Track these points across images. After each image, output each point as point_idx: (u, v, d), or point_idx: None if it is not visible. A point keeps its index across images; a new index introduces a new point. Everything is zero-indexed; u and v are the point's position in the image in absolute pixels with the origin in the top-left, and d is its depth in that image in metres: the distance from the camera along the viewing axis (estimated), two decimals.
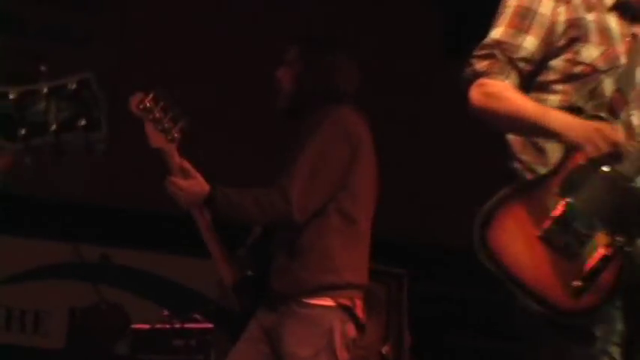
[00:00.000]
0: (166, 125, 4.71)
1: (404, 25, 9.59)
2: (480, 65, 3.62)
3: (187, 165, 4.79)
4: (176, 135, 4.73)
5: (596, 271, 3.39)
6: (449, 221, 6.67)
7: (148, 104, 4.69)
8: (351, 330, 4.77)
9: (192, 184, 4.78)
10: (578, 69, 3.60)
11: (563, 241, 3.41)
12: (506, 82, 3.58)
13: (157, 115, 4.72)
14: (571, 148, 3.47)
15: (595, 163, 3.44)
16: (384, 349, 6.62)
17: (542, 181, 3.52)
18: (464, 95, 3.63)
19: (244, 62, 8.68)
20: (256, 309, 4.80)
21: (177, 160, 4.78)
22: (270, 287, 4.79)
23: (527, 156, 3.63)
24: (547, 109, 3.54)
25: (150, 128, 4.72)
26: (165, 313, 6.88)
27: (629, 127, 3.55)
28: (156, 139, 4.73)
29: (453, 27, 9.64)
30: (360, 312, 4.79)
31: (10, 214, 8.12)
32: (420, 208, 9.48)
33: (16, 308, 8.79)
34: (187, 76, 8.46)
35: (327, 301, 4.72)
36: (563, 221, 3.41)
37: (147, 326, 6.87)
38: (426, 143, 9.46)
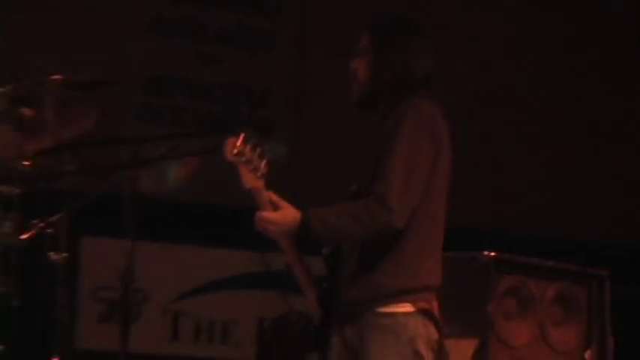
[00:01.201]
0: (255, 163, 4.75)
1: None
2: None
3: (275, 197, 4.80)
4: (264, 171, 4.77)
5: None
6: None
7: (240, 148, 4.75)
8: (433, 332, 4.69)
9: (284, 214, 4.76)
10: None
11: None
12: None
13: (248, 155, 4.77)
14: None
15: None
16: (587, 355, 6.52)
17: None
18: None
19: None
20: (333, 322, 4.78)
21: (265, 194, 4.79)
22: (345, 297, 4.75)
23: None
24: None
25: (244, 171, 4.75)
26: None
27: None
28: (248, 179, 4.76)
29: None
30: (437, 312, 4.73)
31: (195, 224, 8.27)
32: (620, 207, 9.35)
33: (204, 319, 8.94)
34: None
35: (407, 307, 4.65)
36: None
37: None
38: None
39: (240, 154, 4.75)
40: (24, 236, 5.83)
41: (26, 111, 5.77)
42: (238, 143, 4.75)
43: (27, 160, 5.75)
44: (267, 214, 4.76)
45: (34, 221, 5.90)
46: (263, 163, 4.78)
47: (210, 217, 8.33)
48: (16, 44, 8.20)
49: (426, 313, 4.67)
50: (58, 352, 5.86)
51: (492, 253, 6.30)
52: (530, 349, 6.39)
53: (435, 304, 4.72)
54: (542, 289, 6.44)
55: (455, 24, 9.26)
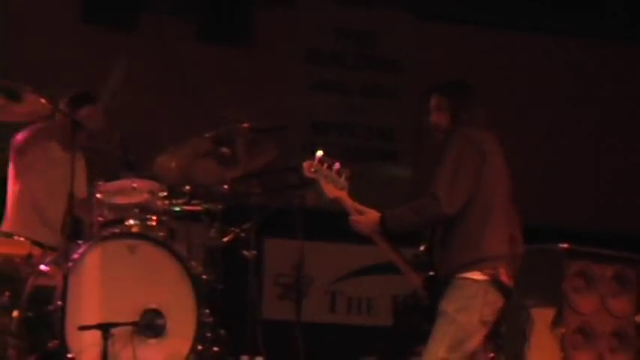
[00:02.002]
0: (334, 178, 4.76)
1: None
2: None
3: (358, 205, 4.80)
4: (344, 183, 4.76)
5: None
6: None
7: (317, 166, 4.77)
8: (493, 296, 4.62)
9: (368, 217, 4.79)
10: None
11: None
12: None
13: (325, 172, 4.78)
14: None
15: None
16: (638, 318, 6.42)
17: None
18: None
19: None
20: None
21: (350, 202, 4.80)
22: (438, 277, 4.72)
23: None
24: None
25: (323, 184, 4.78)
26: None
27: None
28: (329, 191, 4.80)
29: None
30: (504, 277, 4.64)
31: (344, 227, 8.28)
32: None
33: (354, 297, 8.92)
34: None
35: (476, 275, 4.61)
36: None
37: None
38: None
39: (316, 172, 4.81)
40: (224, 239, 5.95)
41: (225, 150, 5.89)
42: (315, 163, 4.80)
43: (226, 185, 5.88)
44: (358, 218, 4.81)
45: (232, 228, 6.03)
46: (342, 178, 4.80)
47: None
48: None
49: (491, 280, 4.61)
50: (250, 322, 5.98)
51: (565, 245, 6.26)
52: (594, 315, 6.32)
53: (501, 270, 4.63)
54: (602, 271, 6.37)
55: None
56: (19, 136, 5.96)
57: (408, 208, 4.72)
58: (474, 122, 4.82)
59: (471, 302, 4.60)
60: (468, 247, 4.65)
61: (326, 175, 4.79)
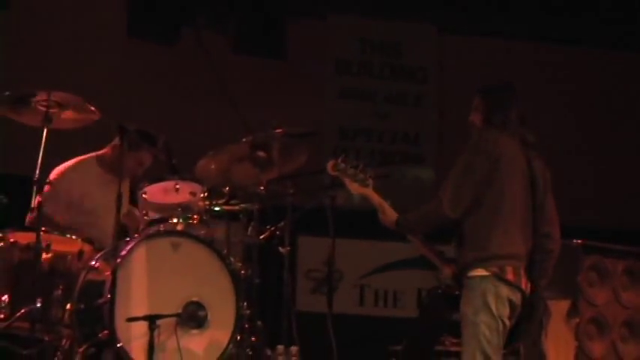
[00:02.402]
0: (359, 176, 4.73)
1: None
2: None
3: (383, 202, 4.78)
4: (369, 180, 4.73)
5: None
6: None
7: (340, 165, 4.75)
8: (504, 290, 4.56)
9: (385, 217, 4.79)
10: None
11: None
12: None
13: (348, 170, 4.74)
14: None
15: None
16: None
17: None
18: None
19: None
20: None
21: (376, 198, 4.79)
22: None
23: None
24: None
25: (347, 182, 4.77)
26: None
27: None
28: (353, 188, 4.78)
29: None
30: (510, 276, 4.57)
31: (374, 226, 8.27)
32: None
33: (381, 290, 8.92)
34: None
35: (481, 272, 4.56)
36: None
37: None
38: None
39: (339, 170, 4.78)
40: (261, 237, 5.94)
41: (260, 153, 5.89)
42: (337, 161, 4.78)
43: (262, 186, 5.88)
44: (380, 217, 4.80)
45: (267, 227, 6.03)
46: (366, 175, 4.77)
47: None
48: None
49: (496, 276, 4.55)
50: (285, 314, 5.98)
51: (579, 241, 6.23)
52: (607, 307, 6.29)
53: (508, 269, 4.57)
54: (614, 265, 6.34)
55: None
56: (60, 171, 6.08)
57: (418, 212, 4.73)
58: (503, 126, 4.76)
59: (485, 299, 4.55)
60: (473, 247, 4.62)
61: (349, 173, 4.76)
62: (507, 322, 4.61)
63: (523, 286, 4.65)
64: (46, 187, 5.74)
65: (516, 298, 4.63)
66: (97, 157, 6.21)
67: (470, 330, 4.55)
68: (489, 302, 4.54)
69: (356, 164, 4.78)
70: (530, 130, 4.84)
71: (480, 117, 4.83)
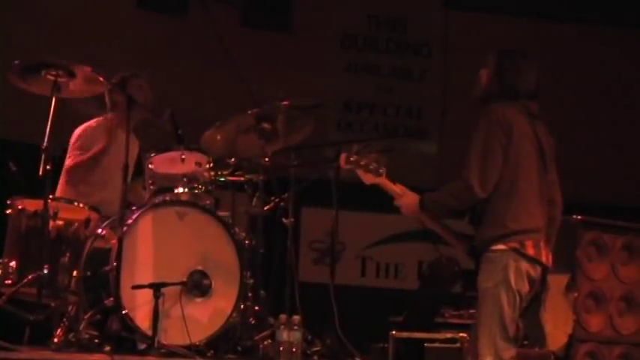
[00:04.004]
0: (372, 167, 4.68)
1: None
2: None
3: (399, 187, 4.70)
4: (381, 171, 4.68)
5: None
6: None
7: (352, 158, 4.70)
8: (524, 265, 4.50)
9: (406, 201, 4.68)
10: None
11: None
12: None
13: (362, 162, 4.70)
14: None
15: None
16: None
17: None
18: None
19: None
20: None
21: (391, 186, 4.71)
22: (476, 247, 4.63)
23: None
24: None
25: (361, 173, 4.70)
26: None
27: None
28: (368, 178, 4.70)
29: None
30: (530, 250, 4.51)
31: (377, 197, 8.26)
32: None
33: (382, 262, 8.93)
34: None
35: (501, 246, 4.50)
36: None
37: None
38: None
39: (352, 162, 4.74)
40: (266, 208, 5.96)
41: (266, 125, 5.87)
42: (350, 154, 4.75)
43: (267, 158, 5.87)
44: (399, 202, 4.72)
45: (272, 198, 6.03)
46: (380, 166, 4.69)
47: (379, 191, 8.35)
48: None
49: (515, 251, 4.50)
50: (288, 284, 5.98)
51: (579, 217, 6.22)
52: (605, 282, 6.25)
53: (527, 243, 4.52)
54: (613, 240, 6.30)
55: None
56: (80, 131, 6.07)
57: (445, 192, 4.62)
58: (509, 94, 4.65)
59: (506, 273, 4.50)
60: (493, 224, 4.55)
61: (362, 165, 4.72)
62: (524, 297, 4.57)
63: (543, 259, 4.61)
64: (74, 141, 5.87)
65: (535, 273, 4.59)
66: (110, 117, 6.17)
67: (489, 302, 4.51)
68: (509, 277, 4.50)
69: (367, 153, 4.74)
70: (534, 102, 4.74)
71: (488, 73, 4.72)
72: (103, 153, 5.94)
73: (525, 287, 4.57)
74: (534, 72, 4.75)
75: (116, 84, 5.78)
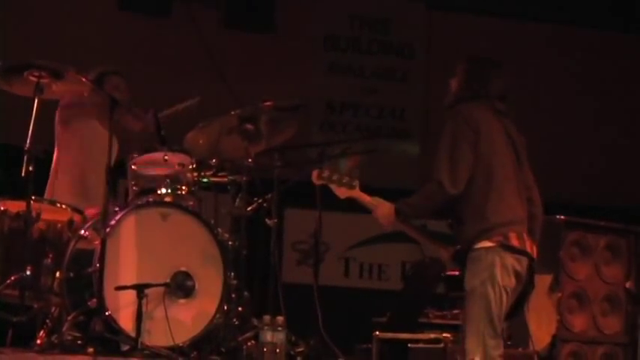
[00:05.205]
0: (345, 180, 4.73)
1: None
2: None
3: (370, 198, 4.74)
4: (354, 184, 4.73)
5: None
6: None
7: (324, 174, 4.75)
8: (509, 260, 4.53)
9: (382, 211, 4.71)
10: None
11: None
12: None
13: (335, 177, 4.74)
14: None
15: None
16: (628, 284, 6.40)
17: None
18: None
19: None
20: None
21: (365, 198, 4.76)
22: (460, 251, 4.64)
23: None
24: None
25: (334, 187, 4.77)
26: None
27: None
28: (341, 192, 4.77)
29: None
30: (514, 241, 4.54)
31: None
32: None
33: (366, 262, 8.93)
34: None
35: (486, 243, 4.52)
36: None
37: (456, 273, 6.84)
38: None
39: (324, 178, 4.78)
40: (249, 209, 5.94)
41: (249, 126, 5.87)
42: (323, 172, 4.79)
43: (250, 159, 5.86)
44: (375, 214, 4.74)
45: (255, 199, 6.02)
46: (352, 178, 4.74)
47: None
48: None
49: (501, 245, 4.51)
50: (271, 284, 5.98)
51: (562, 217, 6.25)
52: (588, 281, 6.30)
53: (510, 234, 4.54)
54: (596, 240, 6.35)
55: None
56: (64, 104, 6.01)
57: (419, 195, 4.65)
58: (476, 97, 4.70)
59: (492, 270, 4.51)
60: (474, 220, 4.57)
61: (334, 180, 4.76)
62: (510, 293, 4.58)
63: (528, 249, 4.62)
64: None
65: (521, 266, 4.60)
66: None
67: (477, 301, 4.53)
68: (496, 274, 4.51)
69: (339, 169, 4.78)
70: (500, 102, 4.77)
71: (457, 81, 4.79)
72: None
73: (512, 283, 4.58)
74: (502, 77, 4.82)
75: (93, 81, 5.74)
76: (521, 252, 4.59)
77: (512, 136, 4.75)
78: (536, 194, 4.78)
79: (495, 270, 4.52)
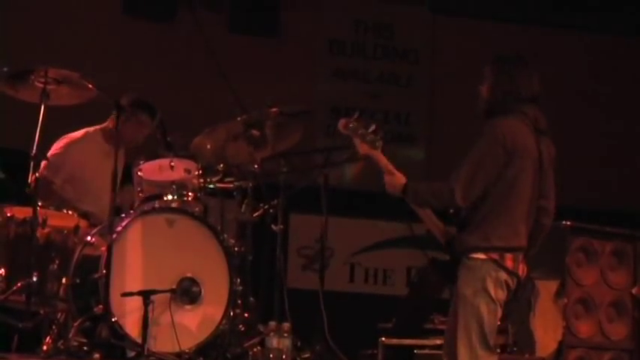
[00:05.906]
0: (369, 138, 4.57)
1: None
2: None
3: (390, 165, 4.60)
4: (378, 144, 4.59)
5: None
6: None
7: (352, 124, 4.60)
8: (503, 275, 4.48)
9: (392, 180, 4.59)
10: None
11: None
12: None
13: (360, 130, 4.59)
14: None
15: None
16: (634, 290, 6.39)
17: None
18: None
19: None
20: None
21: (383, 160, 4.60)
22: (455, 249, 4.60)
23: None
24: None
25: (356, 141, 4.59)
26: None
27: None
28: (363, 148, 4.59)
29: None
30: (509, 263, 4.49)
31: (365, 204, 8.25)
32: None
33: (371, 268, 8.94)
34: None
35: (481, 255, 4.48)
36: None
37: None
38: None
39: (351, 128, 4.58)
40: (254, 214, 5.95)
41: (255, 132, 5.88)
42: (351, 120, 4.64)
43: (256, 165, 5.88)
44: (386, 179, 4.60)
45: (261, 204, 6.03)
46: (377, 138, 4.57)
47: (371, 198, 8.35)
48: None
49: (495, 262, 4.48)
50: (277, 290, 5.99)
51: (568, 222, 6.25)
52: (594, 287, 6.29)
53: (508, 256, 4.49)
54: (602, 246, 6.34)
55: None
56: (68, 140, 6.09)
57: (429, 188, 4.60)
58: (511, 100, 4.61)
59: (485, 283, 4.49)
60: (477, 236, 4.52)
61: (360, 133, 4.60)
62: (502, 305, 4.56)
63: (520, 272, 4.60)
64: (52, 154, 5.82)
65: (512, 282, 4.59)
66: (102, 129, 6.20)
67: (468, 310, 4.50)
68: (488, 287, 4.49)
69: (368, 123, 4.65)
70: (542, 114, 4.70)
71: (487, 85, 4.67)
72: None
73: (504, 296, 4.56)
74: (532, 74, 4.73)
75: (126, 104, 5.73)
76: (514, 273, 4.57)
77: (542, 155, 4.66)
78: (551, 205, 4.72)
79: (489, 282, 4.50)
